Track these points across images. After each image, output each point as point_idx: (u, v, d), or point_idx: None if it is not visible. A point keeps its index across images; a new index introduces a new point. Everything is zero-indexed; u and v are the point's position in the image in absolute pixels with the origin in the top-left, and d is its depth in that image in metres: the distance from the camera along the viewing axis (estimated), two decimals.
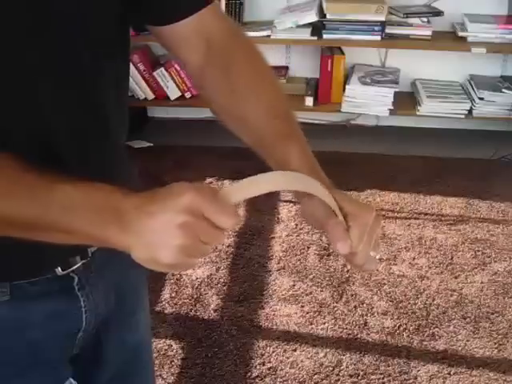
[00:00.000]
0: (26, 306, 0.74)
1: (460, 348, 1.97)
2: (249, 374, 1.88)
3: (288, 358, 1.93)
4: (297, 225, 2.55)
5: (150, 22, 0.78)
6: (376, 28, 2.91)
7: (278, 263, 2.34)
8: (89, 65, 0.70)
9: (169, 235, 0.58)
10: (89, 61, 0.70)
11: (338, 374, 1.88)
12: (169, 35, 0.77)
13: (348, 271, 2.30)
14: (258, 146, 0.75)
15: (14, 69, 0.64)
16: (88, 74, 0.70)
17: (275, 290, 2.21)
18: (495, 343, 1.99)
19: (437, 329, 2.05)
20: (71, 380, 0.81)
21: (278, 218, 2.60)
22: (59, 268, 0.75)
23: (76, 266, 0.77)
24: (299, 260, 2.36)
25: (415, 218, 2.62)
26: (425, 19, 2.98)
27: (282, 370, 1.89)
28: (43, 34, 0.64)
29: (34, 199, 0.60)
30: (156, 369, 1.83)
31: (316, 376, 1.87)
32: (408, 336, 2.02)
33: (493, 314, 2.11)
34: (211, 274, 2.28)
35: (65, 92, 0.68)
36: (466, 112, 3.05)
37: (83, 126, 0.72)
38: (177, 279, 2.26)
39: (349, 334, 2.02)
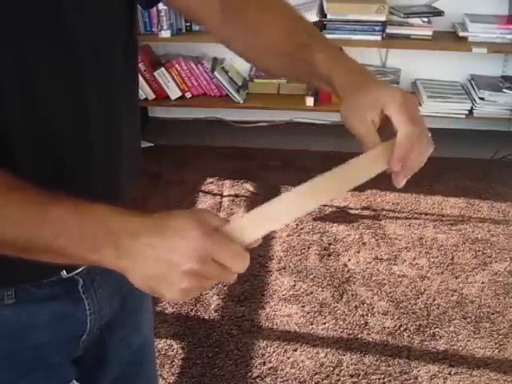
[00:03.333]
0: (31, 309, 0.74)
1: (461, 348, 1.97)
2: (249, 373, 1.88)
3: (288, 358, 1.93)
4: (297, 225, 2.55)
5: None
6: (377, 28, 2.91)
7: (279, 263, 2.34)
8: (88, 62, 0.69)
9: (174, 278, 0.57)
10: (88, 58, 0.69)
11: (338, 374, 1.88)
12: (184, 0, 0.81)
13: (348, 271, 2.30)
14: (285, 63, 0.78)
15: (14, 58, 0.62)
16: (92, 73, 0.70)
17: (276, 290, 2.21)
18: (496, 343, 1.99)
19: (437, 329, 2.05)
20: (74, 382, 0.81)
21: None
22: (64, 271, 0.75)
23: (81, 269, 0.77)
24: (300, 260, 2.36)
25: (416, 218, 2.62)
26: (425, 19, 2.97)
27: (282, 370, 1.89)
28: (52, 25, 0.64)
29: (25, 221, 0.59)
30: (156, 369, 1.83)
31: (316, 376, 1.87)
32: (408, 336, 2.02)
33: (493, 314, 2.11)
34: None
35: (64, 89, 0.68)
36: (467, 112, 3.05)
37: (89, 121, 0.71)
38: None
39: (349, 334, 2.02)
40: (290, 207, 0.60)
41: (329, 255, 2.38)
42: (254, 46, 0.81)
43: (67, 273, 0.76)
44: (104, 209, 0.59)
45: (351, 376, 1.87)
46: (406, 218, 2.62)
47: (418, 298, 2.18)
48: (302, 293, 2.20)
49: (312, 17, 2.90)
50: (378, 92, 0.68)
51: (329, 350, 1.96)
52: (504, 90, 3.01)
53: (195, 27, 3.04)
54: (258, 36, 0.80)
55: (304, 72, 0.78)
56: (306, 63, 0.75)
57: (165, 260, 0.57)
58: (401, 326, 2.06)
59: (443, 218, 2.62)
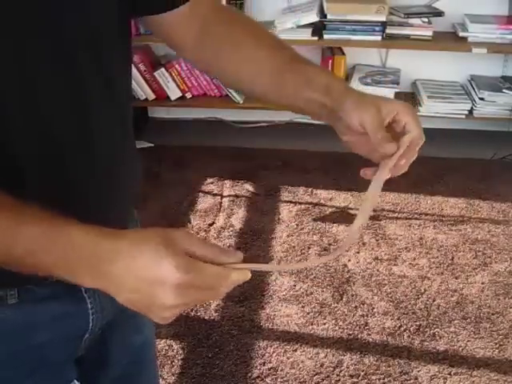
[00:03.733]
0: (34, 309, 0.74)
1: (461, 348, 1.97)
2: (249, 374, 1.88)
3: (288, 358, 1.93)
4: (297, 225, 2.55)
5: (143, 12, 0.79)
6: (377, 28, 2.91)
7: (279, 263, 2.34)
8: (87, 62, 0.69)
9: (157, 309, 0.59)
10: (87, 58, 0.69)
11: (338, 375, 1.88)
12: (161, 22, 0.80)
13: (348, 271, 2.30)
14: (273, 76, 0.78)
15: (14, 58, 0.62)
16: (85, 71, 0.70)
17: (276, 290, 2.21)
18: (496, 344, 1.99)
19: (437, 329, 2.05)
20: (75, 382, 0.81)
21: (278, 219, 2.60)
22: None
23: None
24: (300, 260, 2.35)
25: (416, 219, 2.62)
26: (425, 19, 2.98)
27: (282, 370, 1.89)
28: (52, 25, 0.64)
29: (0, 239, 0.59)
30: (157, 368, 1.83)
31: (316, 376, 1.87)
32: (409, 336, 2.02)
33: (493, 314, 2.11)
34: None
35: (62, 89, 0.68)
36: (467, 112, 3.05)
37: (86, 122, 0.71)
38: None
39: (349, 335, 2.02)
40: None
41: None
42: (240, 66, 0.80)
43: None
44: (76, 230, 0.59)
45: (351, 376, 1.87)
46: (406, 219, 2.62)
47: (418, 298, 2.18)
48: (302, 293, 2.20)
49: (312, 17, 2.90)
50: (391, 101, 0.75)
51: (329, 350, 1.96)
52: (504, 91, 3.01)
53: None
54: (245, 51, 0.80)
55: (295, 83, 0.76)
56: (299, 73, 0.76)
57: (145, 291, 0.57)
58: (401, 326, 2.06)
59: (443, 219, 2.62)
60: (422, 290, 2.22)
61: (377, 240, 2.47)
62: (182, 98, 3.19)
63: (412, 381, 1.86)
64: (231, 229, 2.53)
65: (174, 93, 3.17)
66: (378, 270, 2.31)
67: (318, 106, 0.76)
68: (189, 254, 0.58)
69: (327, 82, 0.75)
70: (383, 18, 2.89)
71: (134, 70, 3.06)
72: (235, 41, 0.80)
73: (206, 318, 2.09)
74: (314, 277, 2.27)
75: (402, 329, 2.05)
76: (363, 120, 0.72)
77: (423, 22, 2.97)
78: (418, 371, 1.89)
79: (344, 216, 2.62)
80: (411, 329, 2.05)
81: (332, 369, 1.90)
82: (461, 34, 2.95)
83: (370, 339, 2.01)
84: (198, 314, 2.10)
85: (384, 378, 1.87)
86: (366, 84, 3.03)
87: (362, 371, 1.89)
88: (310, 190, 2.81)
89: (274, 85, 0.79)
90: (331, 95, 0.74)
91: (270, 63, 0.79)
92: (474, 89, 3.06)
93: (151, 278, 0.57)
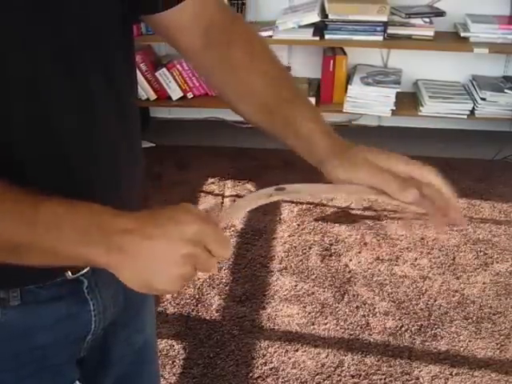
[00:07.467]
0: (36, 311, 0.74)
1: (462, 349, 1.97)
2: (251, 374, 1.88)
3: (290, 358, 1.94)
4: (299, 225, 2.55)
5: (147, 9, 0.78)
6: (378, 28, 2.90)
7: (280, 263, 2.34)
8: (88, 61, 0.69)
9: (172, 264, 0.59)
10: (89, 57, 0.69)
11: (339, 375, 1.88)
12: (166, 22, 0.79)
13: (350, 272, 2.30)
14: (263, 113, 0.77)
15: (15, 55, 0.62)
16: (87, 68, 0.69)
17: (277, 290, 2.21)
18: (497, 344, 1.99)
19: (439, 329, 2.05)
20: (77, 383, 0.81)
21: (280, 219, 2.60)
22: (69, 272, 0.75)
23: (85, 270, 0.77)
24: (301, 260, 2.36)
25: (417, 219, 2.62)
26: (427, 19, 2.97)
27: (283, 370, 1.89)
28: (55, 26, 0.64)
29: (20, 217, 0.59)
30: (159, 368, 1.83)
31: (318, 376, 1.87)
32: (410, 336, 2.02)
33: (495, 314, 2.11)
34: (213, 274, 2.28)
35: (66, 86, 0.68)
36: (469, 112, 3.04)
37: (88, 122, 0.71)
38: None
39: (351, 335, 2.02)
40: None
41: (330, 255, 2.38)
42: (233, 88, 0.79)
43: (72, 274, 0.76)
44: (97, 206, 0.61)
45: (352, 376, 1.88)
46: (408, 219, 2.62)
47: (420, 298, 2.18)
48: (304, 293, 2.20)
49: (313, 17, 2.90)
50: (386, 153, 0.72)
51: (330, 350, 1.96)
52: (505, 91, 3.01)
53: None
54: (238, 80, 0.78)
55: (281, 125, 0.76)
56: (285, 118, 0.75)
57: (165, 248, 0.59)
58: (402, 326, 2.06)
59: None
60: (424, 290, 2.22)
61: (378, 240, 2.47)
62: (184, 98, 3.19)
63: (413, 381, 1.86)
64: (233, 229, 2.53)
65: (175, 93, 3.17)
66: (379, 270, 2.31)
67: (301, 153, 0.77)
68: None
69: (309, 134, 0.74)
70: (385, 18, 2.88)
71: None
72: (232, 67, 0.79)
73: (208, 318, 2.09)
74: (316, 277, 2.27)
75: (404, 329, 2.05)
76: (365, 182, 0.72)
77: (425, 22, 2.97)
78: (420, 371, 1.89)
79: (345, 216, 2.62)
80: (412, 329, 2.05)
81: (333, 369, 1.90)
82: (462, 34, 2.94)
83: (372, 339, 2.01)
84: (199, 314, 2.11)
85: (385, 378, 1.87)
86: (368, 84, 3.03)
87: (364, 371, 1.89)
88: None
89: (264, 120, 0.79)
90: (314, 155, 0.75)
91: (262, 100, 0.77)
92: (475, 89, 3.06)
93: (169, 231, 0.59)
